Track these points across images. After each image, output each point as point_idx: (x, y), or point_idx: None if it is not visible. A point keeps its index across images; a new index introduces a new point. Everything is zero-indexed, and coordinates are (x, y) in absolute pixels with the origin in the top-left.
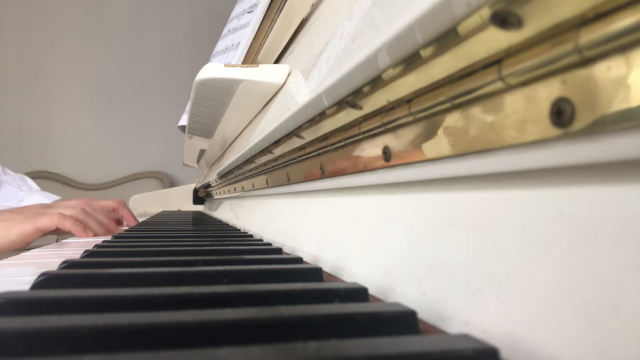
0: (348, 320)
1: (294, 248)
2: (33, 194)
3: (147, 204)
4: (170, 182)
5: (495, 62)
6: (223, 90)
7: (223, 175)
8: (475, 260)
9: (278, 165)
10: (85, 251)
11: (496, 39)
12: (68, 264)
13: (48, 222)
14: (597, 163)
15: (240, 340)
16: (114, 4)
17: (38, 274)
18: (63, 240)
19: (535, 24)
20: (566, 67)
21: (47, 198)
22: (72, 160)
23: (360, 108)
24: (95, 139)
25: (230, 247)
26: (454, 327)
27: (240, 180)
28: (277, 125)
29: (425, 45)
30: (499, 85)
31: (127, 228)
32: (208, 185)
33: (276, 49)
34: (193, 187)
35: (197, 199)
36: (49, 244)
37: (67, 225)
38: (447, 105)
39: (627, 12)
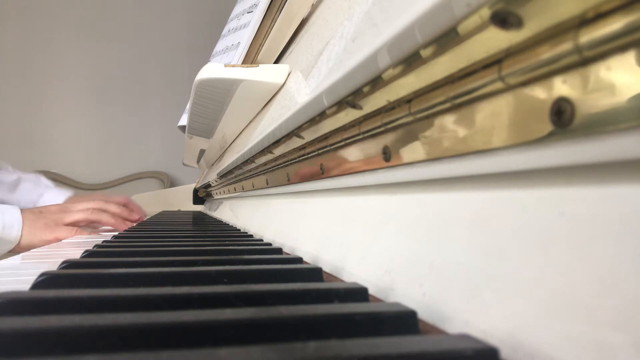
0: (348, 320)
1: (294, 248)
2: (50, 190)
3: (147, 204)
4: (170, 182)
5: (495, 62)
6: (223, 90)
7: (223, 175)
8: (475, 260)
9: (278, 165)
10: (85, 251)
11: (496, 39)
12: (68, 264)
13: (66, 235)
14: (597, 163)
15: (240, 340)
16: (114, 3)
17: (38, 274)
18: (63, 240)
19: (535, 24)
20: (566, 67)
21: (62, 194)
22: (72, 160)
23: (360, 108)
24: (95, 139)
25: (230, 247)
26: (454, 327)
27: (240, 180)
28: (277, 125)
29: (425, 45)
30: (499, 85)
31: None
32: (208, 185)
33: (276, 49)
34: (193, 187)
35: (197, 199)
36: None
37: (85, 233)
38: (447, 105)
39: (627, 12)
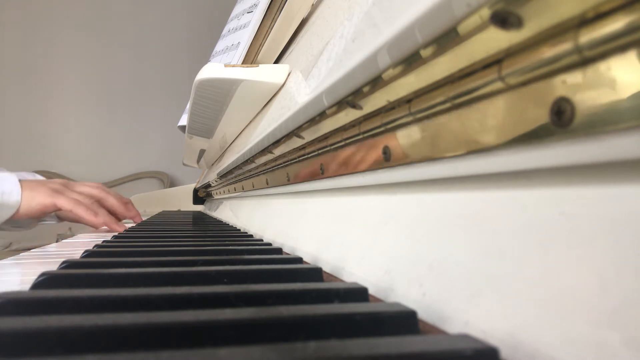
0: (348, 320)
1: (294, 248)
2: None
3: (147, 204)
4: (170, 182)
5: (495, 62)
6: (223, 90)
7: (223, 175)
8: (475, 260)
9: (278, 165)
10: (85, 251)
11: (496, 39)
12: (68, 264)
13: (65, 203)
14: (597, 163)
15: (240, 340)
16: (114, 3)
17: (38, 274)
18: (63, 240)
19: (535, 23)
20: (566, 67)
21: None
22: (72, 160)
23: (360, 108)
24: (95, 139)
25: (230, 247)
26: (454, 327)
27: (240, 180)
28: (277, 125)
29: (425, 45)
30: (498, 85)
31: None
32: (208, 185)
33: (276, 49)
34: (193, 187)
35: (197, 199)
36: (49, 244)
37: (80, 211)
38: (447, 105)
39: (627, 12)
